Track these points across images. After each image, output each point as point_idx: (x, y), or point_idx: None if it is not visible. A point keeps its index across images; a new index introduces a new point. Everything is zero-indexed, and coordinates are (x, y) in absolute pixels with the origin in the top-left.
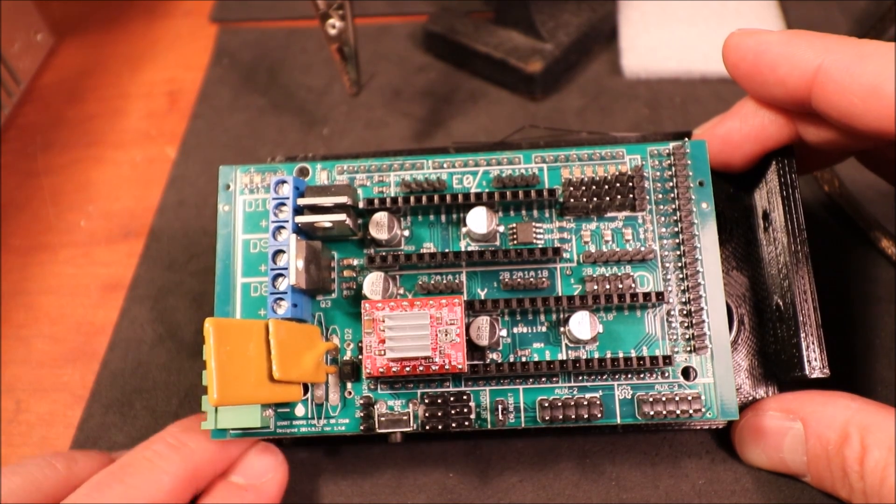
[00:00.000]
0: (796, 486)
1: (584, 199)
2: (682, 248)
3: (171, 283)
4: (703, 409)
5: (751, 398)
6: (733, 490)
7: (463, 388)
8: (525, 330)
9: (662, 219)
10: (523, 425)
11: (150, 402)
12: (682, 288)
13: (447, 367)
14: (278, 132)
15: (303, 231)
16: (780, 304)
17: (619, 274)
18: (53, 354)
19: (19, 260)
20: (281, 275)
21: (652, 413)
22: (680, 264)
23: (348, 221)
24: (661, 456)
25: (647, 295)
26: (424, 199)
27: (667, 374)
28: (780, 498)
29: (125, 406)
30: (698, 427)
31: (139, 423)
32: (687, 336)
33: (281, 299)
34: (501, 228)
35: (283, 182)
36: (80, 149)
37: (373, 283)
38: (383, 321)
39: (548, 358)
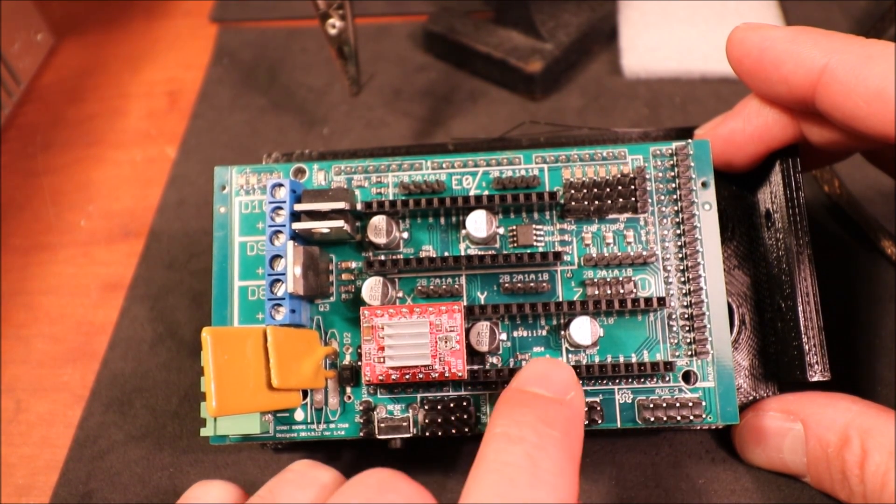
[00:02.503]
0: (796, 485)
1: (586, 202)
2: (684, 250)
3: (171, 283)
4: (704, 415)
5: (751, 398)
6: (733, 490)
7: (463, 393)
8: (525, 334)
9: (664, 220)
10: None
11: (150, 400)
12: (684, 291)
13: (447, 374)
14: (278, 132)
15: (300, 236)
16: (782, 304)
17: (621, 278)
18: (53, 354)
19: (19, 260)
20: (278, 280)
21: (652, 418)
22: (682, 267)
23: (346, 227)
24: (661, 456)
25: (648, 300)
26: (423, 201)
27: (667, 379)
28: (780, 498)
29: (125, 405)
30: (698, 427)
31: (139, 421)
32: (688, 340)
33: (279, 305)
34: (501, 230)
35: (280, 185)
36: (80, 149)
37: (371, 289)
38: (382, 329)
39: None
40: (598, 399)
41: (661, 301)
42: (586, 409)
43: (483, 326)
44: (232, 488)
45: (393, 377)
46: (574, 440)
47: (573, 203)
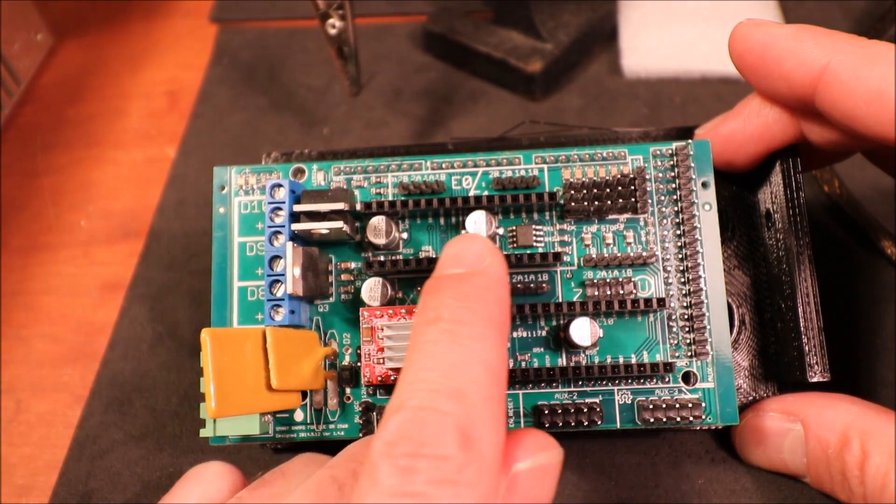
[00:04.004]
0: (796, 486)
1: (585, 202)
2: (684, 251)
3: (170, 283)
4: (704, 415)
5: (751, 398)
6: (733, 490)
7: None
8: (525, 334)
9: (664, 221)
10: None
11: (150, 400)
12: (684, 291)
13: None
14: (278, 132)
15: (299, 237)
16: (782, 304)
17: (620, 279)
18: (53, 354)
19: (19, 260)
20: (278, 281)
21: (652, 419)
22: (682, 267)
23: (346, 228)
24: (661, 456)
25: (647, 301)
26: (423, 202)
27: (667, 379)
28: (780, 498)
29: (125, 405)
30: (698, 428)
31: (139, 421)
32: (688, 340)
33: (278, 306)
34: (501, 231)
35: (279, 186)
36: (80, 149)
37: (371, 290)
38: (382, 329)
39: (548, 363)
40: (597, 400)
41: (661, 302)
42: (585, 410)
43: None
44: (227, 474)
45: (392, 378)
46: (493, 305)
47: (573, 203)
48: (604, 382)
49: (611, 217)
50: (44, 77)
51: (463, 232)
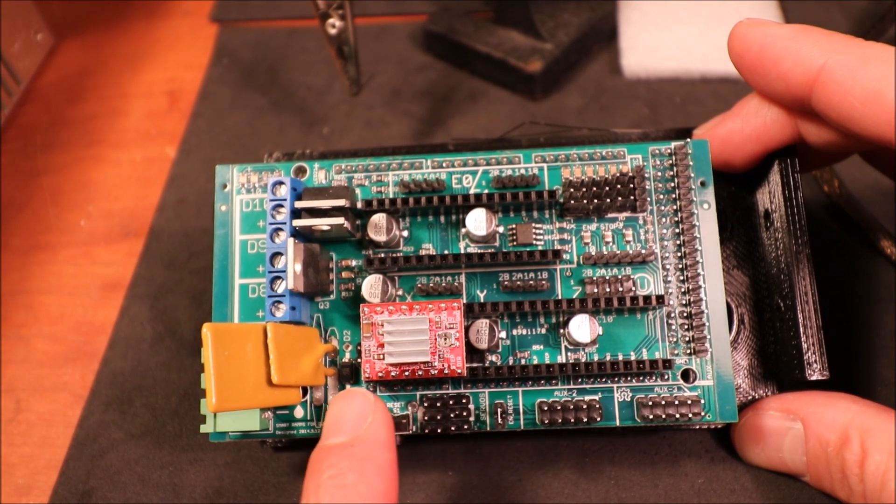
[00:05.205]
0: (796, 485)
1: (585, 201)
2: (682, 249)
3: (170, 282)
4: (703, 413)
5: (750, 397)
6: (733, 489)
7: (462, 391)
8: (525, 332)
9: (663, 219)
10: (522, 428)
11: (150, 399)
12: (683, 290)
13: (446, 371)
14: (278, 131)
15: (300, 233)
16: (781, 304)
17: (620, 276)
18: (53, 354)
19: (19, 260)
20: (279, 277)
21: (651, 416)
22: (681, 266)
23: (346, 225)
24: (661, 455)
25: (647, 298)
26: (423, 200)
27: (666, 377)
28: (780, 497)
29: (125, 404)
30: (698, 427)
31: (139, 420)
32: (687, 338)
33: (279, 302)
34: (501, 229)
35: (281, 183)
36: (80, 149)
37: (371, 286)
38: (382, 325)
39: (547, 360)
40: (596, 397)
41: (660, 299)
42: (584, 407)
43: (482, 324)
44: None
45: (392, 374)
46: (373, 476)
47: (572, 202)
48: (603, 380)
49: (610, 215)
50: (44, 77)
51: (463, 230)
